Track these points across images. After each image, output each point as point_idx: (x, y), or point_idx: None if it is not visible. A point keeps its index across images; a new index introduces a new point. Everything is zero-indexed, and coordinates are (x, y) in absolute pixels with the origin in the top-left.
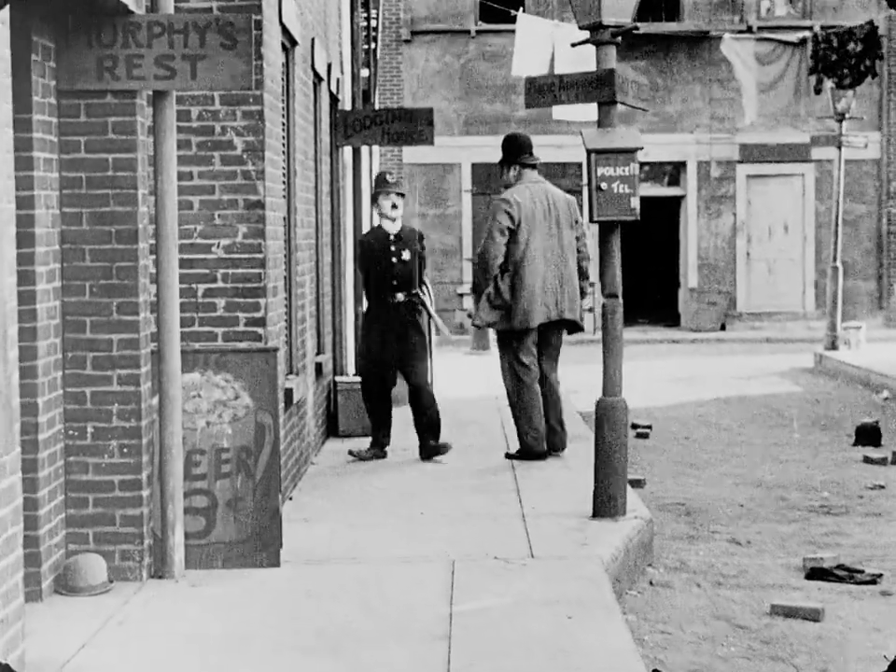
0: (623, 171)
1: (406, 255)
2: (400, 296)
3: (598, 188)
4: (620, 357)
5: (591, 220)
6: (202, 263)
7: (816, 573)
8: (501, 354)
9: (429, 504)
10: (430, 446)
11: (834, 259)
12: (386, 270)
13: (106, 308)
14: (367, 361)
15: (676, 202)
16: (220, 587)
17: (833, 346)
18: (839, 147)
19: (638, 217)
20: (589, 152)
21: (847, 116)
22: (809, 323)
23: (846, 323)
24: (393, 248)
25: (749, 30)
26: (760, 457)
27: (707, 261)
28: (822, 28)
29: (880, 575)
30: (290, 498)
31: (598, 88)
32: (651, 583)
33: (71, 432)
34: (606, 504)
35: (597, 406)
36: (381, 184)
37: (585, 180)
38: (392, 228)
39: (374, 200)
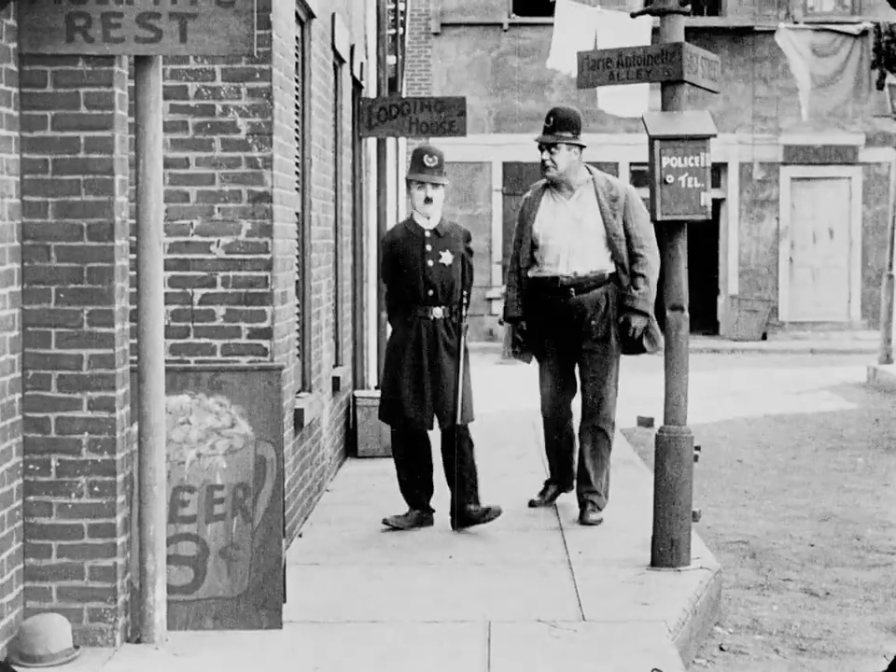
0: (693, 161)
1: (447, 257)
2: (438, 312)
3: (664, 181)
4: (685, 380)
5: (654, 219)
6: (199, 264)
7: None
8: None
9: (459, 545)
10: (471, 512)
11: (890, 267)
12: (420, 276)
13: (75, 318)
14: (392, 404)
15: (716, 204)
16: (210, 655)
17: (888, 360)
18: None
19: (710, 216)
20: (652, 139)
21: None
22: (855, 333)
23: None
24: (429, 248)
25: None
26: (822, 485)
27: (748, 267)
28: (873, 23)
29: None
30: (300, 535)
31: (664, 64)
32: (721, 648)
33: (31, 466)
34: (667, 552)
35: (659, 437)
36: (415, 167)
37: (648, 172)
38: (427, 224)
39: (408, 187)
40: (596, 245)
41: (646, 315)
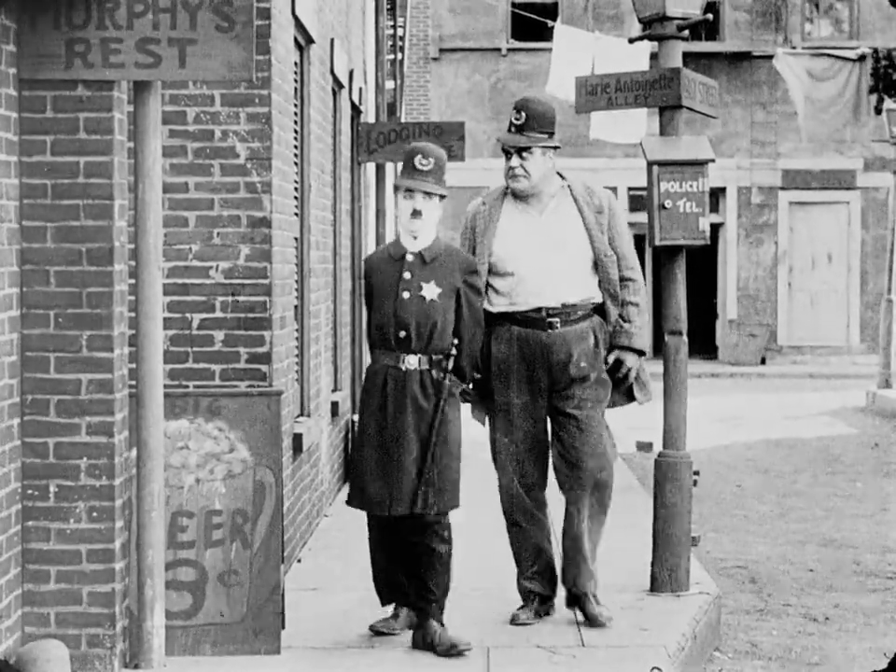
0: (691, 186)
1: (430, 290)
2: (412, 361)
3: (661, 206)
4: (684, 405)
5: (652, 244)
6: (197, 289)
7: None
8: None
9: (459, 569)
10: (431, 637)
11: (889, 292)
12: (390, 312)
13: (74, 342)
14: (354, 478)
15: (714, 229)
16: None
17: (887, 385)
18: (895, 173)
19: (708, 241)
20: (650, 164)
21: None
22: (854, 358)
23: None
24: (407, 275)
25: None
26: (821, 510)
27: (746, 292)
28: (871, 48)
29: None
30: (299, 561)
31: (662, 89)
32: None
33: (30, 492)
34: (667, 577)
35: (658, 462)
36: (405, 171)
37: (646, 197)
38: (412, 246)
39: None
40: (583, 268)
41: (641, 353)
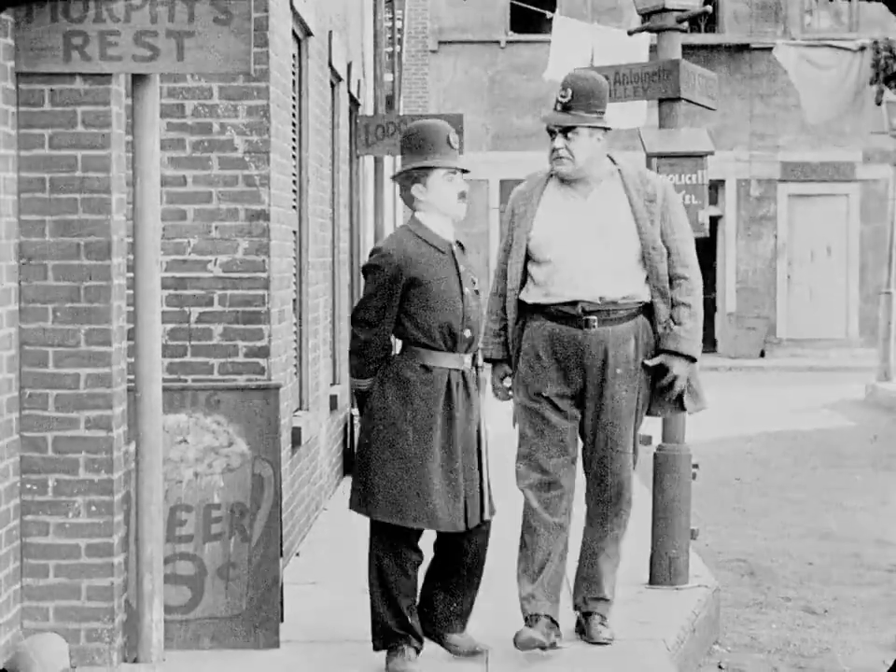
0: (690, 179)
1: (477, 284)
2: (468, 360)
3: None
4: None
5: None
6: (195, 283)
7: None
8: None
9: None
10: (453, 647)
11: (888, 285)
12: (460, 311)
13: (73, 336)
14: (416, 499)
15: (714, 222)
16: None
17: (886, 377)
18: (894, 165)
19: (707, 234)
20: (649, 157)
21: None
22: (853, 351)
23: None
24: (462, 269)
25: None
26: (821, 503)
27: (745, 285)
28: (871, 39)
29: None
30: (297, 554)
31: (661, 81)
32: (720, 667)
33: (28, 486)
34: (666, 570)
35: (657, 455)
36: (434, 149)
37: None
38: (450, 235)
39: (415, 180)
40: (629, 262)
41: (692, 360)
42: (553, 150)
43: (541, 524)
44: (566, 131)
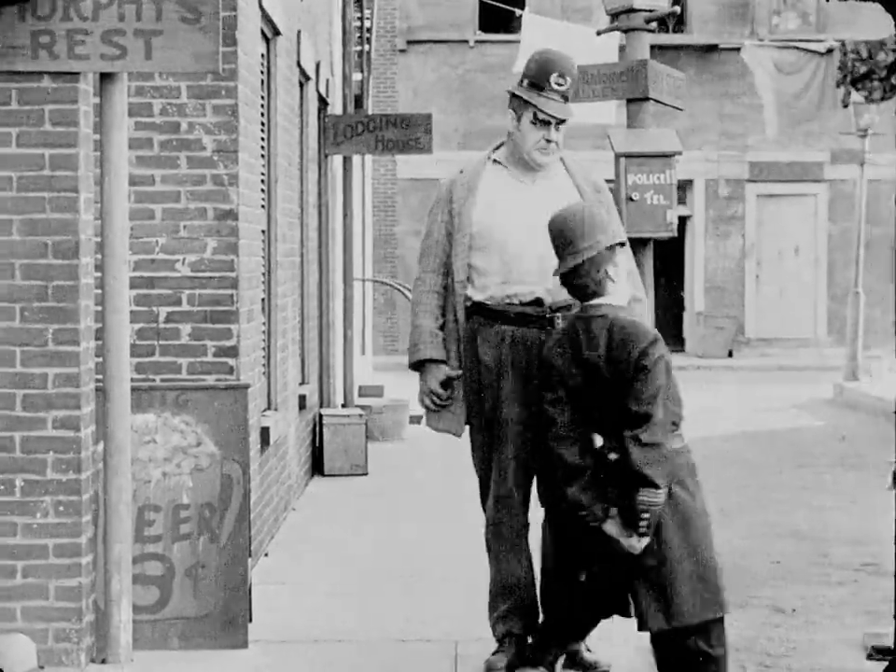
0: (659, 179)
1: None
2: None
3: (629, 198)
4: None
5: None
6: (164, 282)
7: (879, 652)
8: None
9: (428, 561)
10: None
11: (856, 284)
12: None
13: (40, 336)
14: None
15: (682, 221)
16: None
17: (854, 377)
18: (862, 165)
19: (675, 233)
20: (618, 156)
21: (869, 132)
22: (821, 350)
23: (865, 352)
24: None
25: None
26: (789, 503)
27: (714, 284)
28: (837, 41)
29: None
30: (266, 555)
31: (629, 81)
32: None
33: None
34: None
35: None
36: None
37: (614, 189)
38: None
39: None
40: None
41: None
42: (549, 142)
43: (506, 542)
44: (561, 121)
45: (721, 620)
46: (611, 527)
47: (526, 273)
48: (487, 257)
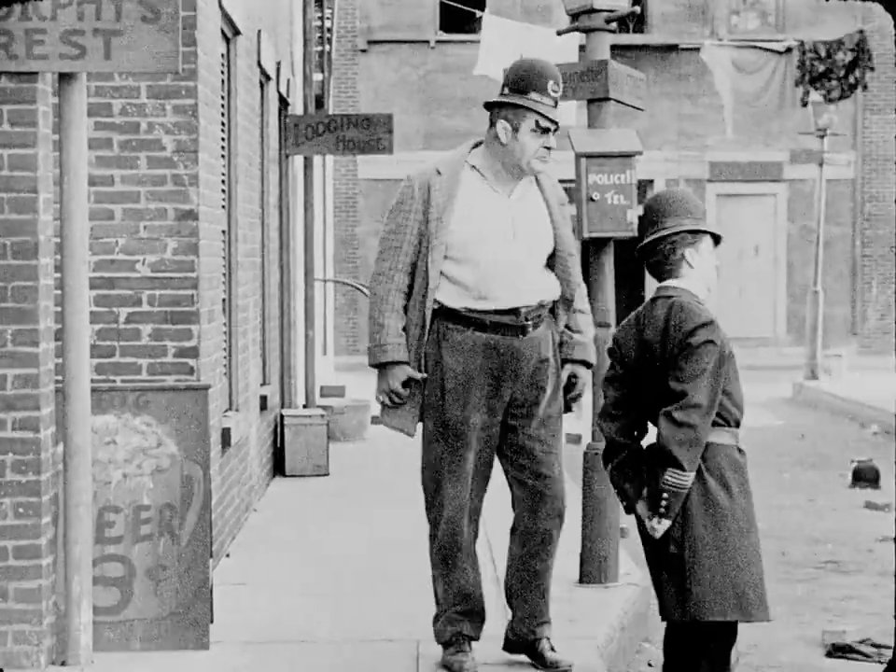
0: (619, 179)
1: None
2: None
3: (590, 198)
4: None
5: (580, 236)
6: (124, 283)
7: (838, 649)
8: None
9: (388, 561)
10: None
11: (815, 283)
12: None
13: None
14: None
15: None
16: None
17: (814, 375)
18: (820, 165)
19: (636, 233)
20: (578, 157)
21: (828, 132)
22: (781, 349)
23: (825, 351)
24: None
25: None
26: None
27: None
28: (796, 40)
29: None
30: (227, 555)
31: (590, 81)
32: (649, 664)
33: None
34: (596, 568)
35: (586, 454)
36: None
37: (574, 189)
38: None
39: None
40: (547, 265)
41: (591, 366)
42: (548, 149)
43: (462, 551)
44: (557, 128)
45: (733, 631)
46: (641, 508)
47: (501, 288)
48: (460, 267)
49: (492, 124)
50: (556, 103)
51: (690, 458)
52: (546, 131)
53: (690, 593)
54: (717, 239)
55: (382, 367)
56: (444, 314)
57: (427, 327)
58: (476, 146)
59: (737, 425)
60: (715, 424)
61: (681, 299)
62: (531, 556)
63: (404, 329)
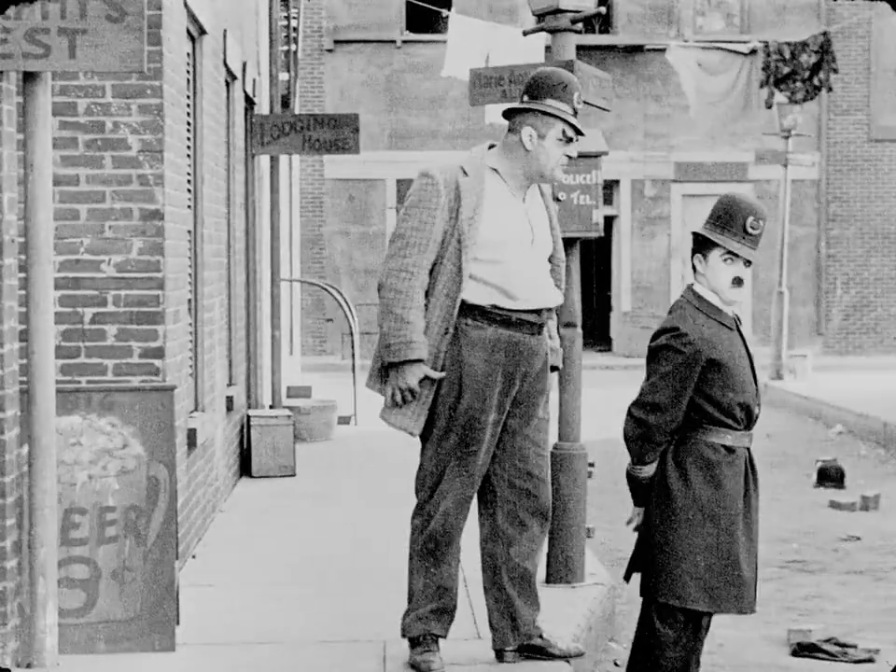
0: (585, 179)
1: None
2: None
3: (556, 198)
4: (579, 397)
5: None
6: (89, 283)
7: (803, 648)
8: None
9: (356, 561)
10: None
11: (780, 284)
12: (754, 388)
13: None
14: (738, 566)
15: (608, 222)
16: None
17: (779, 375)
18: (785, 166)
19: (602, 234)
20: None
21: (793, 133)
22: None
23: (790, 351)
24: (749, 347)
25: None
26: None
27: (640, 284)
28: (761, 42)
29: (877, 651)
30: (193, 557)
31: None
32: (615, 664)
33: None
34: (562, 568)
35: (553, 454)
36: (729, 228)
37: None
38: (730, 311)
39: (703, 249)
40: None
41: (557, 370)
42: (570, 158)
43: (449, 547)
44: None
45: (687, 613)
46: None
47: (528, 289)
48: (488, 267)
49: (511, 130)
50: (576, 114)
51: (638, 453)
52: (570, 140)
53: (651, 576)
54: (746, 260)
55: (399, 364)
56: (463, 311)
57: (451, 325)
58: (490, 147)
59: (726, 426)
60: (695, 422)
61: (678, 301)
62: (522, 558)
63: (426, 327)
